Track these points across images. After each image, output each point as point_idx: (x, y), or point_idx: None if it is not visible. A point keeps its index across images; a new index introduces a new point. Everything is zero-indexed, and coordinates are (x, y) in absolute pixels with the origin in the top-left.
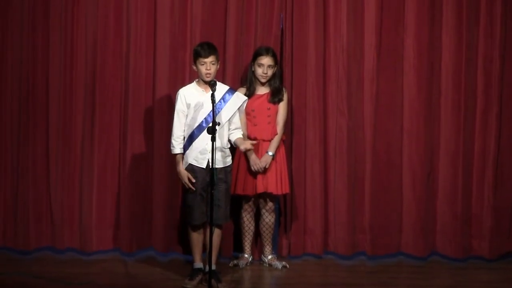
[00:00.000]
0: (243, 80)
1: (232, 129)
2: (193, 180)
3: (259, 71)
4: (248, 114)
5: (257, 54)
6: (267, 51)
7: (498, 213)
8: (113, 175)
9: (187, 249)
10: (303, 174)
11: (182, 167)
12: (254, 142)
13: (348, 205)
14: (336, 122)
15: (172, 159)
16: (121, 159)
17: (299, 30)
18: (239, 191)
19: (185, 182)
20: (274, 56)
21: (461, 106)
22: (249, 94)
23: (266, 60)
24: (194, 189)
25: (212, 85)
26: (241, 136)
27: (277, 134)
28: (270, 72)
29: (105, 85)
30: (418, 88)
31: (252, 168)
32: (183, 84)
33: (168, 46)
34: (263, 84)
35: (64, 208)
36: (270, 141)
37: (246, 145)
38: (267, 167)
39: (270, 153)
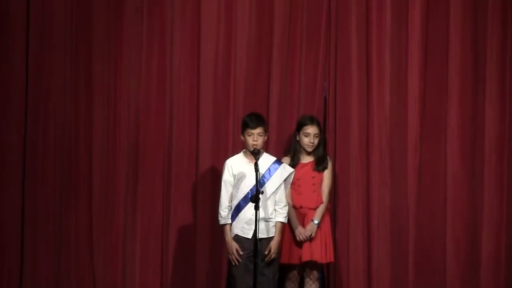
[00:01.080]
0: (285, 149)
1: (278, 208)
2: (241, 253)
3: (306, 140)
4: (293, 183)
5: (302, 124)
6: (312, 120)
7: None
8: (156, 246)
9: None
10: (346, 244)
11: (230, 238)
12: None
13: (392, 275)
14: (379, 193)
15: (215, 230)
16: (164, 231)
17: (342, 100)
18: (284, 260)
19: (232, 253)
20: (319, 124)
21: (504, 176)
22: (294, 164)
23: (312, 130)
24: (240, 261)
25: (255, 154)
26: (283, 219)
27: (322, 202)
28: (316, 141)
29: (148, 156)
30: (462, 158)
31: (298, 238)
32: (226, 154)
33: (211, 116)
34: (308, 153)
35: (106, 281)
36: (315, 209)
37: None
38: (312, 236)
39: (316, 222)
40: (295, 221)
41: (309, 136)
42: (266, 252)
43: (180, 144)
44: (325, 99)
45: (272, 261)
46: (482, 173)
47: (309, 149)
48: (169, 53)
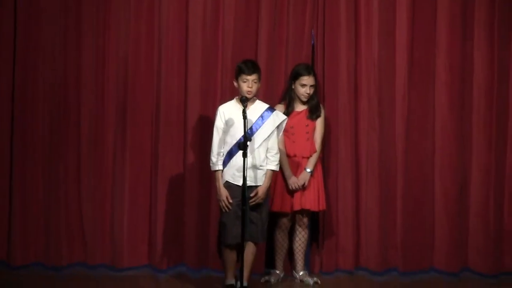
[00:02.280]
0: (281, 96)
1: (269, 155)
2: (231, 200)
3: (302, 90)
4: (286, 131)
5: (298, 74)
6: (309, 71)
7: None
8: (145, 191)
9: (220, 265)
10: (335, 191)
11: (221, 184)
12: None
13: (380, 221)
14: (368, 139)
15: (203, 177)
16: (152, 176)
17: (330, 46)
18: (276, 208)
19: (223, 200)
20: (315, 75)
21: (493, 122)
22: (288, 112)
23: (309, 80)
24: (230, 208)
25: (243, 101)
26: (274, 167)
27: (315, 151)
28: (312, 91)
29: (137, 103)
30: (450, 105)
31: (290, 187)
32: (215, 102)
33: (199, 63)
34: (303, 102)
35: (96, 224)
36: (308, 158)
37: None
38: (305, 184)
39: (308, 170)
40: (288, 170)
41: (306, 87)
42: (252, 195)
43: (168, 93)
44: (313, 47)
45: (262, 209)
46: (471, 120)
47: (305, 99)
48: (158, 3)
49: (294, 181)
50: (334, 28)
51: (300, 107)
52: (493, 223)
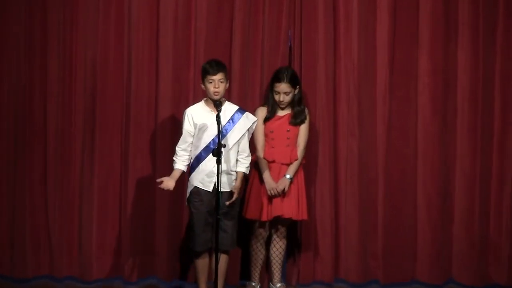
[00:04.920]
0: (264, 97)
1: (240, 158)
2: (171, 189)
3: (275, 97)
4: (267, 135)
5: (273, 79)
6: (283, 77)
7: None
8: (114, 200)
9: (193, 277)
10: (313, 198)
11: (172, 181)
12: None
13: (360, 230)
14: (347, 144)
15: (175, 184)
16: (122, 184)
17: (308, 48)
18: (251, 215)
19: (163, 181)
20: (291, 81)
21: (478, 127)
22: (270, 116)
23: (281, 88)
24: (168, 188)
25: (217, 106)
26: (245, 170)
27: (297, 158)
28: (287, 99)
29: (106, 108)
30: (433, 108)
31: (269, 193)
32: (187, 104)
33: (171, 66)
34: (282, 108)
35: (63, 235)
36: (288, 165)
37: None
38: (286, 190)
39: (288, 176)
40: (267, 175)
41: (279, 94)
42: (228, 202)
43: (139, 95)
44: (290, 48)
45: (231, 216)
46: (455, 124)
47: (281, 106)
48: (127, 2)
49: (273, 187)
50: (311, 27)
51: (282, 112)
52: (478, 232)
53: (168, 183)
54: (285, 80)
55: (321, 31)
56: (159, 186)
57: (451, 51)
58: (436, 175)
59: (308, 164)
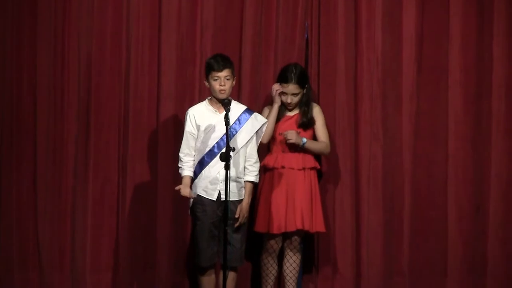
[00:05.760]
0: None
1: (248, 164)
2: (194, 196)
3: (283, 98)
4: (275, 139)
5: (280, 78)
6: (291, 77)
7: None
8: (111, 210)
9: None
10: (331, 208)
11: (187, 186)
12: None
13: (384, 244)
14: (370, 148)
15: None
16: (120, 192)
17: (327, 41)
18: (260, 228)
19: (181, 189)
20: (299, 81)
21: None
22: (279, 116)
23: (289, 89)
24: (194, 197)
25: (226, 104)
26: (254, 179)
27: (313, 165)
28: (295, 100)
29: (102, 108)
30: (465, 108)
31: (286, 138)
32: (192, 104)
33: (174, 61)
34: (290, 110)
35: (53, 250)
36: (299, 170)
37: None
38: (291, 141)
39: (304, 140)
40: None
41: (286, 95)
42: (236, 216)
43: (138, 93)
44: (307, 41)
45: (239, 228)
46: (490, 126)
47: (289, 108)
48: None
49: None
50: (330, 17)
51: (291, 112)
52: None
53: (186, 190)
54: (293, 81)
55: (341, 21)
56: (181, 194)
57: (486, 44)
58: (469, 182)
59: (326, 170)
